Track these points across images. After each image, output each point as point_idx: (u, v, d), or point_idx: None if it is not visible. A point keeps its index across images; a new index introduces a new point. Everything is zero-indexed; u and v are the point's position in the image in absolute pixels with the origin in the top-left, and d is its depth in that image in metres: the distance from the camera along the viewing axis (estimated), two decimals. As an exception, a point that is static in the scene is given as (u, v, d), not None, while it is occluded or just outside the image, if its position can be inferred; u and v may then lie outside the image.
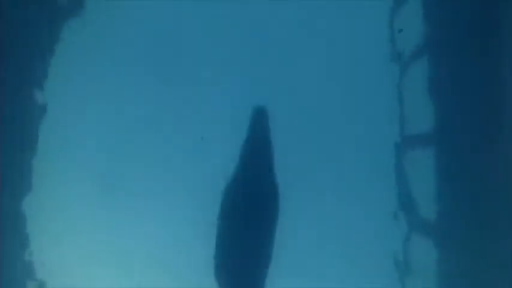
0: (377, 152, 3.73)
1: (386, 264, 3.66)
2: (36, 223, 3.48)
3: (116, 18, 3.66)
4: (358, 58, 3.75)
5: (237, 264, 3.53)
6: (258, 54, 3.71)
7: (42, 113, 3.56)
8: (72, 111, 3.59)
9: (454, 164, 3.60)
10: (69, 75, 3.60)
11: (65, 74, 3.59)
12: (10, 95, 3.37)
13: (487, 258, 3.34)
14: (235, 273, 3.52)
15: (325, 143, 3.71)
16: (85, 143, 3.59)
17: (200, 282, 3.54)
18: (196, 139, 3.65)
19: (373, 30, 3.77)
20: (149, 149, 3.63)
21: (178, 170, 3.63)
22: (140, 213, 3.57)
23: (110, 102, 3.64)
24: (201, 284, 3.54)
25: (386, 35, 3.78)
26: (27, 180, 3.48)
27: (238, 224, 3.53)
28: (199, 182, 3.61)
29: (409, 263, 3.66)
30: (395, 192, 3.72)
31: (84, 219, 3.51)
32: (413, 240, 3.68)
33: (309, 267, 3.62)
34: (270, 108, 3.67)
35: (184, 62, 3.69)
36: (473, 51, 3.55)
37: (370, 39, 3.76)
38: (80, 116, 3.61)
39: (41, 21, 3.51)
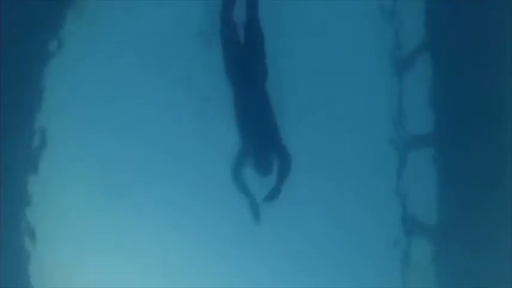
0: (377, 152, 3.76)
1: (387, 263, 3.68)
2: (37, 225, 3.47)
3: (117, 17, 3.64)
4: (359, 59, 3.76)
5: None
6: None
7: (42, 115, 3.53)
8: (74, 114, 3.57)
9: (454, 165, 3.64)
10: (71, 76, 3.57)
11: (66, 74, 3.57)
12: (10, 96, 3.35)
13: (486, 258, 3.37)
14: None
15: (326, 143, 3.73)
16: (87, 144, 3.57)
17: (200, 282, 3.54)
18: (197, 138, 3.63)
19: (374, 32, 3.79)
20: (150, 150, 3.61)
21: (180, 171, 3.61)
22: (141, 214, 3.55)
23: (111, 103, 3.62)
24: (201, 284, 3.54)
25: (387, 36, 3.80)
26: (28, 181, 3.46)
27: None
28: (200, 183, 3.61)
29: (410, 262, 3.69)
30: (395, 191, 3.75)
31: (85, 221, 3.50)
32: (414, 238, 3.72)
33: (309, 267, 3.63)
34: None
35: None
36: (473, 52, 3.58)
37: (372, 40, 3.78)
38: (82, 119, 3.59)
39: (41, 18, 3.48)
